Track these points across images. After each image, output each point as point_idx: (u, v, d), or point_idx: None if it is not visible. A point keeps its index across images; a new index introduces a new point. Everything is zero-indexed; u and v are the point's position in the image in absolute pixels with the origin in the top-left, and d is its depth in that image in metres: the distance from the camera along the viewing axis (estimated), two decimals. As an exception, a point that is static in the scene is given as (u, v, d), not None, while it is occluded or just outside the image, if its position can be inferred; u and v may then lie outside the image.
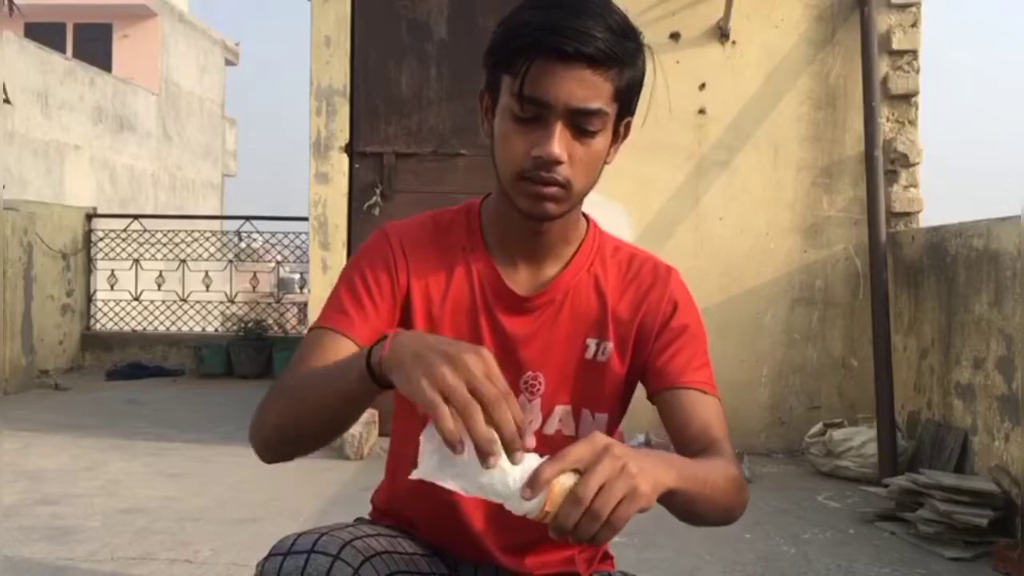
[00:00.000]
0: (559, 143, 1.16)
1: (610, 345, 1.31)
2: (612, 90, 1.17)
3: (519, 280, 1.31)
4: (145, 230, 8.12)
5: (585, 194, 1.24)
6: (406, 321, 1.29)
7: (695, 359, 1.29)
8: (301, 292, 10.53)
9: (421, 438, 0.95)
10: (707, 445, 1.21)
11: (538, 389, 1.31)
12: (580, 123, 1.17)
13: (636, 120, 1.28)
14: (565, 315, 1.31)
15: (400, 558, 1.25)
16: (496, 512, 1.31)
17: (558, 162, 1.17)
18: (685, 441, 1.23)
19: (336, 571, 1.09)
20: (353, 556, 1.13)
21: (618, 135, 1.25)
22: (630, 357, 1.31)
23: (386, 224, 1.36)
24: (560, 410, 1.31)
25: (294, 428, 1.14)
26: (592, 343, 1.31)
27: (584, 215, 1.36)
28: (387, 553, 1.21)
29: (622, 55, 1.17)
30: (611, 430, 1.35)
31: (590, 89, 1.15)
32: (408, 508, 1.38)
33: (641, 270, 1.34)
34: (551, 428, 1.31)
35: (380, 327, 1.26)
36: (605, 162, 1.25)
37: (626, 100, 1.21)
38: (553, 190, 1.19)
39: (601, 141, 1.20)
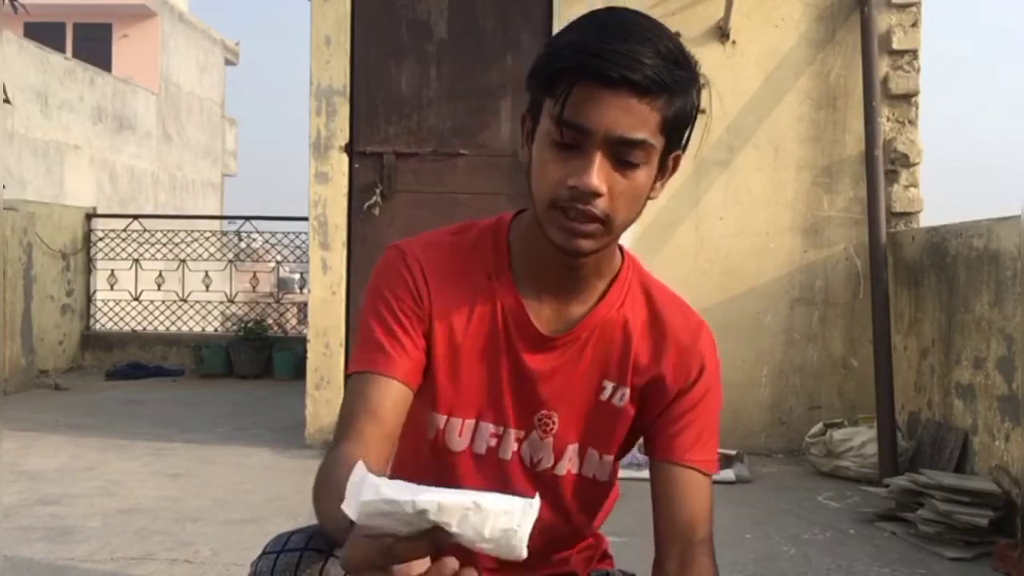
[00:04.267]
0: (598, 174, 1.08)
1: (628, 392, 1.26)
2: (659, 120, 1.09)
3: (545, 315, 1.25)
4: (145, 230, 8.12)
5: (624, 230, 1.17)
6: (428, 349, 1.25)
7: (705, 432, 1.25)
8: (301, 292, 10.54)
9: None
10: (688, 547, 1.19)
11: (551, 428, 1.27)
12: (622, 154, 1.09)
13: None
14: (588, 354, 1.25)
15: None
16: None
17: (596, 194, 1.09)
18: (667, 528, 1.21)
19: (330, 567, 1.09)
20: None
21: (665, 169, 1.17)
22: (641, 406, 1.27)
23: (400, 242, 1.29)
24: (571, 449, 1.29)
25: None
26: (609, 386, 1.26)
27: (619, 246, 1.29)
28: None
29: (671, 83, 1.08)
30: (615, 469, 1.34)
31: (635, 118, 1.07)
32: None
33: (672, 320, 1.27)
34: (562, 469, 1.29)
35: (419, 357, 1.23)
36: (649, 197, 1.17)
37: (674, 133, 1.13)
38: (591, 227, 1.12)
39: (644, 174, 1.12)
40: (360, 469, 0.84)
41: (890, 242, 4.35)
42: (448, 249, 1.27)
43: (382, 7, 4.62)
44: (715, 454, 1.26)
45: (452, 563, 0.83)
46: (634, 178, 1.11)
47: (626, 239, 1.28)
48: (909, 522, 3.16)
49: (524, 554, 0.83)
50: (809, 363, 4.57)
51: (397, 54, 4.62)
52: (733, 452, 4.07)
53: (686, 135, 1.16)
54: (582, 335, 1.25)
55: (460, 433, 1.27)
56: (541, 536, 1.31)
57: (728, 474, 3.91)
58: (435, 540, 0.81)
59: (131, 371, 7.23)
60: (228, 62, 21.59)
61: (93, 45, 17.57)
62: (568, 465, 1.29)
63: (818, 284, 4.58)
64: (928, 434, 3.88)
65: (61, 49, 15.93)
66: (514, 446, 1.28)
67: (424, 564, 0.83)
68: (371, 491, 0.81)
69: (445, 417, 1.27)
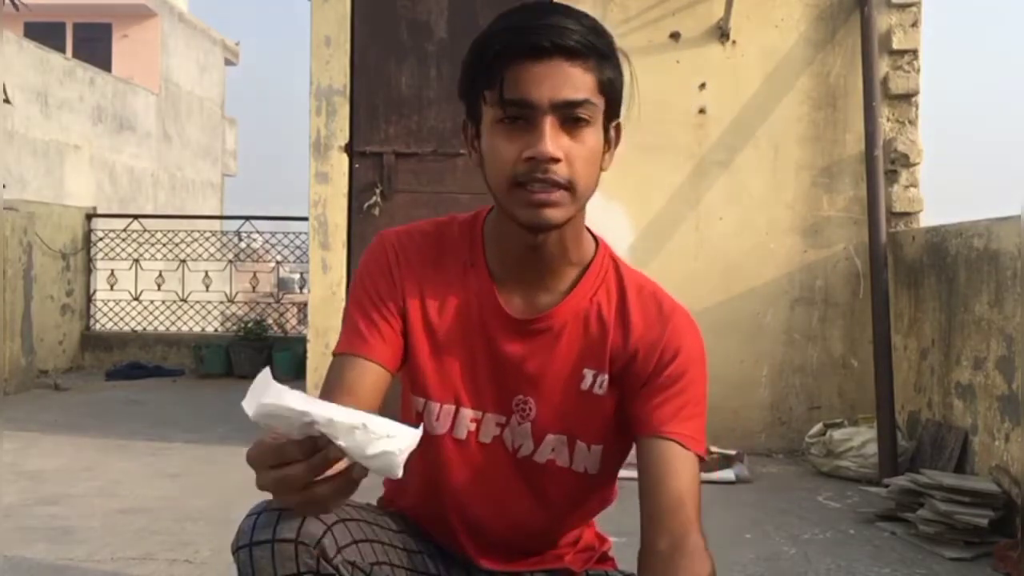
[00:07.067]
0: (552, 140, 1.13)
1: (607, 378, 1.27)
2: (594, 81, 1.16)
3: (516, 302, 1.28)
4: (145, 230, 8.12)
5: (588, 196, 1.21)
6: (406, 334, 1.29)
7: (686, 408, 1.23)
8: (301, 292, 10.55)
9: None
10: (679, 526, 1.15)
11: (528, 413, 1.29)
12: (569, 116, 1.15)
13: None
14: (563, 343, 1.27)
15: (369, 527, 1.27)
16: (479, 516, 1.34)
17: (554, 159, 1.14)
18: (655, 506, 1.18)
19: (308, 525, 1.12)
20: (327, 515, 1.16)
21: (610, 140, 1.23)
22: (620, 393, 1.27)
23: (385, 231, 1.34)
24: (552, 439, 1.29)
25: None
26: (589, 374, 1.27)
27: (594, 236, 1.32)
28: (362, 522, 1.24)
29: (599, 46, 1.16)
30: (611, 462, 1.33)
31: (573, 80, 1.14)
32: (400, 502, 1.41)
33: (646, 305, 1.28)
34: (543, 456, 1.30)
35: (397, 340, 1.27)
36: (601, 168, 1.22)
37: (611, 96, 1.19)
38: (556, 194, 1.15)
39: (592, 135, 1.17)
40: (266, 375, 0.92)
41: (890, 242, 4.35)
42: (427, 237, 1.32)
43: (382, 7, 4.62)
44: (700, 434, 1.23)
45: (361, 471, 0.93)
46: (585, 139, 1.16)
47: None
48: (909, 522, 3.16)
49: (399, 474, 0.92)
50: (809, 363, 4.57)
51: (397, 54, 4.62)
52: (733, 452, 4.07)
53: (620, 105, 1.22)
54: (555, 324, 1.27)
55: (437, 417, 1.29)
56: (518, 525, 1.34)
57: (728, 474, 3.91)
58: (323, 445, 0.91)
59: (131, 371, 7.23)
60: (228, 62, 21.58)
61: (93, 45, 17.56)
62: (552, 455, 1.29)
63: (818, 284, 4.58)
64: (928, 434, 3.88)
65: (61, 49, 15.93)
66: (496, 431, 1.30)
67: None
68: (273, 396, 0.89)
69: (423, 400, 1.30)
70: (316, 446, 0.91)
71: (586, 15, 1.19)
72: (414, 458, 1.34)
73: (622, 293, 1.29)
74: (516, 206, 1.17)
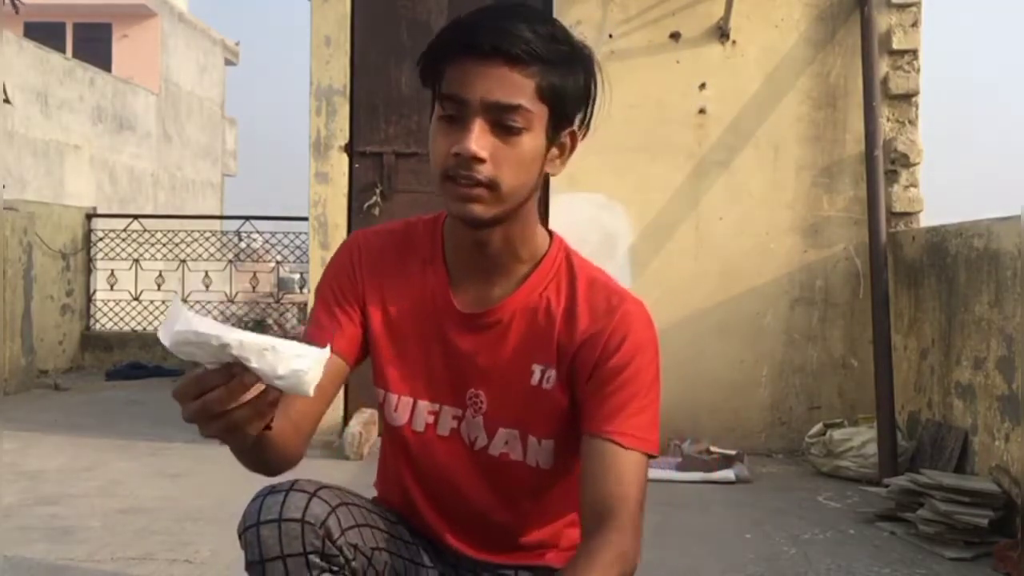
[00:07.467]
0: (477, 140, 1.15)
1: (554, 374, 1.28)
2: (534, 87, 1.16)
3: (468, 297, 1.30)
4: (145, 230, 8.12)
5: (518, 198, 1.21)
6: (366, 327, 1.33)
7: (631, 403, 1.22)
8: (301, 292, 10.54)
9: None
10: (599, 522, 1.16)
11: (480, 407, 1.31)
12: (501, 119, 1.16)
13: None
14: (512, 338, 1.29)
15: (370, 514, 1.29)
16: (448, 508, 1.36)
17: (477, 158, 1.15)
18: (583, 503, 1.20)
19: (313, 506, 1.16)
20: (331, 497, 1.20)
21: (563, 146, 1.23)
22: (571, 389, 1.28)
23: (356, 232, 1.40)
24: (505, 432, 1.31)
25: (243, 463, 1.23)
26: (537, 369, 1.28)
27: (550, 233, 1.33)
28: (363, 508, 1.27)
29: (544, 54, 1.15)
30: (564, 456, 1.32)
31: (509, 85, 1.15)
32: (389, 499, 1.44)
33: (594, 298, 1.28)
34: (496, 450, 1.31)
35: (355, 332, 1.31)
36: (548, 172, 1.23)
37: (558, 104, 1.19)
38: (478, 191, 1.17)
39: (528, 141, 1.18)
40: (178, 304, 0.97)
41: (890, 242, 4.35)
42: (394, 236, 1.36)
43: (382, 7, 4.62)
44: (644, 430, 1.21)
45: (274, 393, 0.98)
46: (517, 144, 1.17)
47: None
48: (909, 522, 3.16)
49: (311, 393, 0.97)
50: (809, 363, 4.57)
51: (397, 54, 4.62)
52: (733, 452, 4.07)
53: (576, 110, 1.22)
54: (503, 317, 1.28)
55: (396, 408, 1.33)
56: (483, 517, 1.35)
57: (728, 474, 3.91)
58: (237, 372, 0.95)
59: (131, 371, 7.22)
60: (228, 62, 21.58)
61: (93, 45, 17.56)
62: (505, 448, 1.31)
63: (818, 284, 4.58)
64: (928, 434, 3.88)
65: (61, 49, 15.93)
66: (452, 424, 1.32)
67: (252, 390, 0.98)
68: (184, 323, 0.94)
69: (383, 392, 1.34)
70: (232, 373, 0.96)
71: (550, 21, 1.19)
72: (393, 455, 1.36)
73: (572, 287, 1.29)
74: (447, 198, 1.21)
